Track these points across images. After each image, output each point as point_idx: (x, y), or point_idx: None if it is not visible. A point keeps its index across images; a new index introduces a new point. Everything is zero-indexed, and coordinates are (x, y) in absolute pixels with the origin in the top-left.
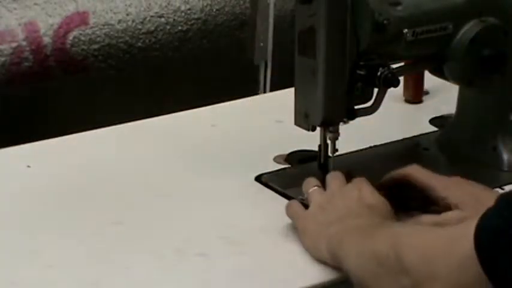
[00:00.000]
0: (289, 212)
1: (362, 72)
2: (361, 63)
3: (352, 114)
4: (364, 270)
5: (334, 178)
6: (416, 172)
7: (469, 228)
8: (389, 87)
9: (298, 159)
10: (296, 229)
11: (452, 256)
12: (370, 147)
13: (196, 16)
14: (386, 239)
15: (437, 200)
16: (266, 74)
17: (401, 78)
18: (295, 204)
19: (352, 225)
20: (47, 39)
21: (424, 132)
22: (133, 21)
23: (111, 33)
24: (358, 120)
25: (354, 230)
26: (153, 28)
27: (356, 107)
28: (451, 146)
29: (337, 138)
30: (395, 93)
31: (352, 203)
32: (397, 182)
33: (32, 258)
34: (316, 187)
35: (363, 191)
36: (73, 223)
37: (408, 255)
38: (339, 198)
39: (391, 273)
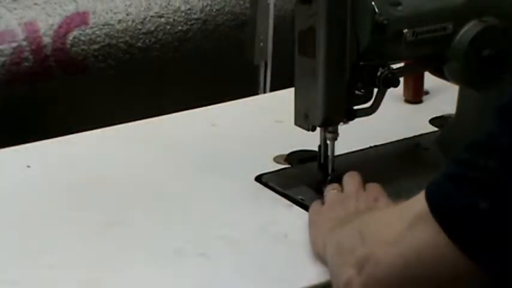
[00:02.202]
0: (309, 209)
1: (362, 72)
2: (361, 63)
3: (351, 115)
4: (331, 253)
5: (351, 179)
6: None
7: (422, 193)
8: (389, 87)
9: (298, 159)
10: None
11: (404, 220)
12: (370, 147)
13: (196, 16)
14: (356, 222)
15: None
16: (266, 74)
17: (401, 79)
18: (316, 202)
19: (345, 221)
20: (47, 39)
21: (424, 132)
22: (133, 21)
23: (111, 33)
24: (358, 120)
25: (343, 224)
26: (153, 28)
27: (356, 107)
28: (451, 146)
29: (336, 139)
30: (395, 93)
31: (362, 207)
32: None
33: (32, 258)
34: (335, 189)
35: (379, 202)
36: (73, 223)
37: (367, 227)
38: (352, 200)
39: (350, 248)
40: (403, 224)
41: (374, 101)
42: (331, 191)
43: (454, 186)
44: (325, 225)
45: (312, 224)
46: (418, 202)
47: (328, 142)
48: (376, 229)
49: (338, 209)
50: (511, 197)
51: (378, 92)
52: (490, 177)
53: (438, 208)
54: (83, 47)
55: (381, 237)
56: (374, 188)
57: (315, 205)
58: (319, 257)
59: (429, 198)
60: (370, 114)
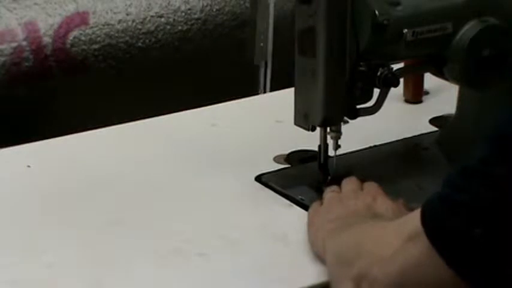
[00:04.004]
0: (309, 209)
1: (362, 72)
2: (361, 63)
3: (354, 114)
4: (330, 261)
5: (349, 182)
6: None
7: (418, 210)
8: (389, 87)
9: (298, 159)
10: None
11: (399, 237)
12: (370, 147)
13: (196, 16)
14: (355, 232)
15: None
16: (266, 74)
17: (401, 79)
18: (315, 203)
19: (346, 224)
20: (47, 39)
21: (424, 132)
22: (133, 21)
23: (111, 33)
24: (358, 120)
25: (343, 227)
26: (153, 28)
27: (358, 106)
28: (451, 146)
29: (339, 137)
30: (395, 93)
31: (361, 206)
32: None
33: (32, 258)
34: (334, 191)
35: (377, 200)
36: (73, 223)
37: (365, 240)
38: (351, 200)
39: (348, 261)
40: (398, 242)
41: (376, 101)
42: (329, 192)
43: (448, 210)
44: (324, 225)
45: (310, 224)
46: (414, 220)
47: (331, 141)
48: (373, 245)
49: (336, 209)
50: (503, 225)
51: (379, 92)
52: (483, 205)
53: (432, 230)
54: (83, 47)
55: (378, 254)
56: (372, 187)
57: (314, 205)
58: (319, 256)
59: (424, 220)
60: (373, 113)
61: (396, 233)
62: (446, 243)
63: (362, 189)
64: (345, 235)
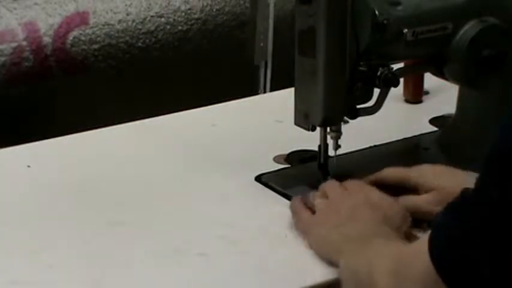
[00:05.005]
0: (292, 206)
1: (362, 72)
2: (361, 63)
3: (354, 114)
4: (348, 279)
5: (331, 185)
6: (389, 172)
7: (425, 244)
8: (389, 87)
9: (298, 159)
10: (296, 229)
11: (415, 269)
12: (370, 147)
13: (196, 16)
14: (366, 256)
15: (417, 189)
16: (266, 74)
17: (401, 78)
18: (297, 200)
19: (350, 234)
20: (47, 39)
21: (424, 132)
22: (133, 21)
23: (111, 33)
24: (359, 120)
25: (351, 240)
26: (153, 28)
27: (358, 106)
28: (451, 146)
29: (339, 137)
30: (395, 93)
31: (356, 204)
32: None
33: (32, 258)
34: (322, 198)
35: (370, 194)
36: (73, 223)
37: (377, 271)
38: (342, 201)
39: (368, 284)
40: (414, 274)
41: (376, 101)
42: (319, 200)
43: (460, 254)
44: (323, 237)
45: (308, 233)
46: (424, 260)
47: (331, 141)
48: (386, 275)
49: (330, 215)
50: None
51: (380, 92)
52: (491, 244)
53: (451, 278)
54: (83, 47)
55: (394, 284)
56: (356, 185)
57: (303, 214)
58: (321, 260)
59: (439, 267)
60: (373, 113)
61: (410, 263)
62: (455, 277)
63: (346, 188)
64: (360, 253)
